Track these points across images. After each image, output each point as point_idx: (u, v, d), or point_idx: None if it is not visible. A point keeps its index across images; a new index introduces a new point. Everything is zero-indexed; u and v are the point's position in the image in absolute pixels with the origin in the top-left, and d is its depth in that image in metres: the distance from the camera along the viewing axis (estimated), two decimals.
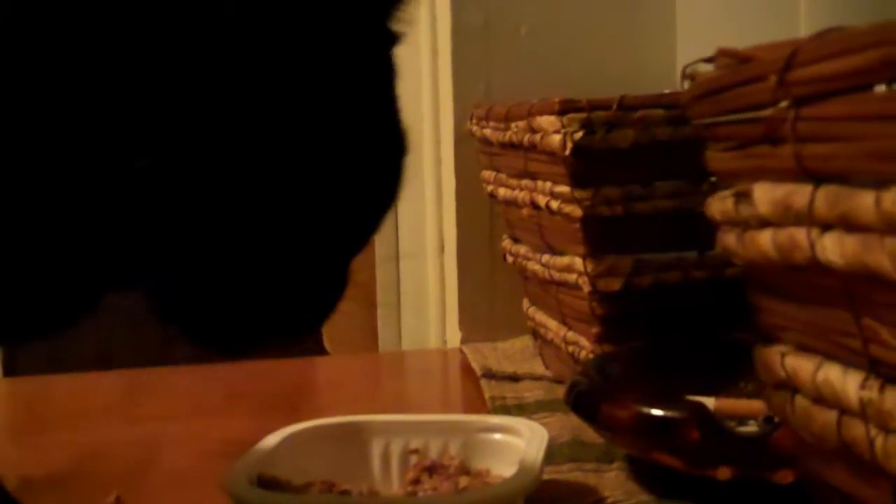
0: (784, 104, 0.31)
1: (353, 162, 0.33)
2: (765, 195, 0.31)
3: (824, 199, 0.28)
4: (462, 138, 0.92)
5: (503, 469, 0.50)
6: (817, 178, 0.29)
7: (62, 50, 0.27)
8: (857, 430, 0.29)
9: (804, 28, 0.70)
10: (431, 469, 0.51)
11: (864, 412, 0.29)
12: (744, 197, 0.33)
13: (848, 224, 0.27)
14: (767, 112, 0.32)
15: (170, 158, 0.29)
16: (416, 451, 0.53)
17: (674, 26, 0.96)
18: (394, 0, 0.33)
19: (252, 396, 0.79)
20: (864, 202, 0.26)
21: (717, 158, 0.36)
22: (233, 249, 0.31)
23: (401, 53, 0.34)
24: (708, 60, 0.39)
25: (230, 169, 0.29)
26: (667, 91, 0.69)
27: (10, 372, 1.42)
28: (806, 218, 0.29)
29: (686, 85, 0.40)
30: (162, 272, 0.32)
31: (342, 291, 0.36)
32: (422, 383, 0.91)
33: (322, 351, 1.23)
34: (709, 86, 0.37)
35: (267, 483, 0.48)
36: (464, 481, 0.50)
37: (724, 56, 0.37)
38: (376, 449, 0.53)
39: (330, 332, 1.28)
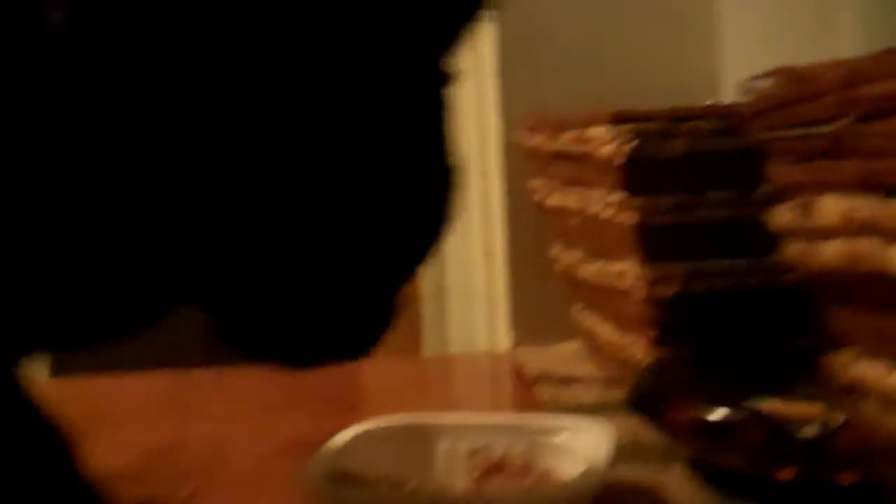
0: (846, 120, 0.33)
1: (400, 198, 0.35)
2: (830, 208, 0.33)
3: (890, 211, 0.30)
4: (509, 148, 0.94)
5: (568, 469, 0.51)
6: (882, 191, 0.31)
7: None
8: None
9: (843, 41, 0.71)
10: (496, 469, 0.53)
11: None
12: (809, 209, 0.34)
13: None
14: (829, 128, 0.34)
15: (238, 180, 0.31)
16: (481, 451, 0.54)
17: (713, 38, 0.97)
18: (445, 44, 0.35)
19: (306, 398, 0.80)
20: None
21: (780, 171, 0.38)
22: (284, 275, 0.34)
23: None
24: (764, 77, 0.41)
25: (286, 197, 0.32)
26: (709, 102, 0.71)
27: (56, 371, 1.44)
28: (872, 230, 0.30)
29: (743, 99, 0.42)
30: (218, 292, 0.34)
31: (390, 319, 0.38)
32: (472, 386, 0.92)
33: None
34: (770, 102, 0.39)
35: (339, 478, 0.49)
36: (529, 481, 0.51)
37: (781, 73, 0.39)
38: (442, 448, 0.55)
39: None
